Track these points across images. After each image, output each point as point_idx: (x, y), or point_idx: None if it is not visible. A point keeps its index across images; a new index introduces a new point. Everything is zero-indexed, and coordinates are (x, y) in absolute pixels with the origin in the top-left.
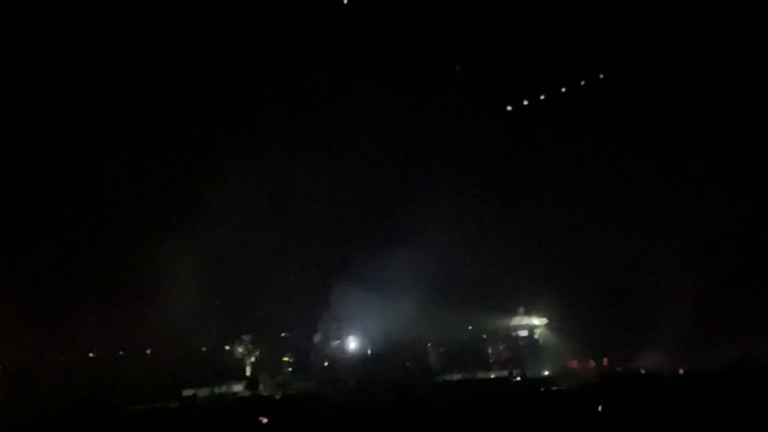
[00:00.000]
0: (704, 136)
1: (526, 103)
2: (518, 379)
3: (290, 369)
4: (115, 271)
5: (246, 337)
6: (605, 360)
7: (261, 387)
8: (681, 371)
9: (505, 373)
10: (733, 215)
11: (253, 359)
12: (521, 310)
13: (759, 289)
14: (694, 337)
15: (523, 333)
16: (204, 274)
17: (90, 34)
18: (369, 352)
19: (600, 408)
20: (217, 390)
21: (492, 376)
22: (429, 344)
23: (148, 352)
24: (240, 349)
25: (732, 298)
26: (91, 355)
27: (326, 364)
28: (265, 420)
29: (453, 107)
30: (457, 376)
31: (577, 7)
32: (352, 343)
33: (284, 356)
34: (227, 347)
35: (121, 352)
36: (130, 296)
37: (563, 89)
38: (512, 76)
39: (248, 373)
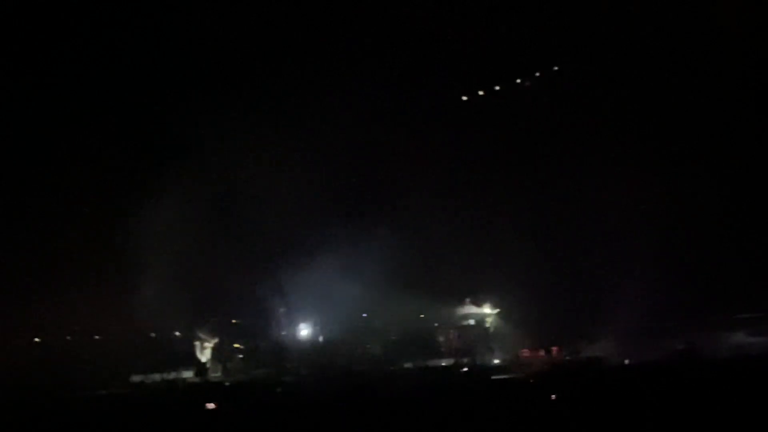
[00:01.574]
0: (658, 130)
1: (481, 93)
2: (465, 369)
3: (241, 356)
4: (65, 257)
5: (197, 324)
6: (555, 349)
7: (211, 373)
8: (627, 361)
9: (456, 360)
10: (682, 211)
11: (203, 346)
12: (472, 299)
13: (702, 284)
14: (641, 328)
15: (475, 322)
16: (155, 261)
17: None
18: (321, 339)
19: (553, 397)
20: (166, 376)
21: (443, 364)
22: (380, 333)
23: (97, 337)
24: (190, 336)
25: (677, 291)
26: (37, 340)
27: (277, 351)
28: (212, 406)
29: (407, 98)
30: (408, 365)
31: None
32: (304, 331)
33: (235, 343)
34: (177, 333)
35: (69, 338)
36: (79, 282)
37: (518, 80)
38: (468, 67)
39: (200, 359)
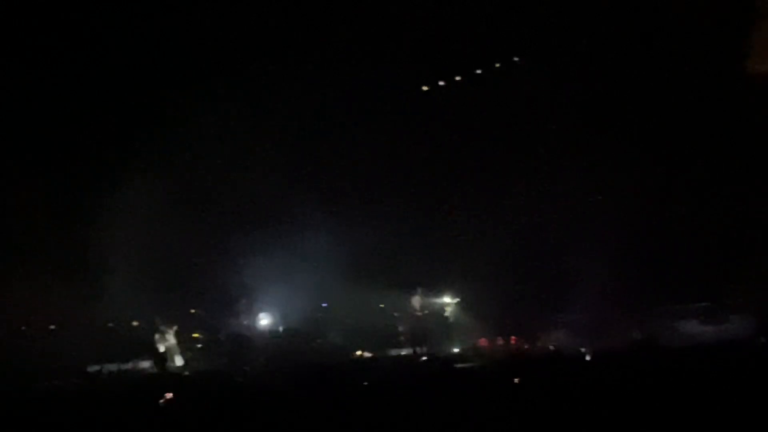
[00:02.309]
0: (617, 121)
1: (442, 83)
2: (424, 358)
3: (200, 346)
4: (19, 245)
5: (156, 314)
6: (513, 338)
7: (169, 364)
8: (583, 350)
9: (416, 349)
10: (637, 202)
11: (164, 336)
12: (432, 289)
13: (658, 274)
14: (599, 318)
15: (435, 312)
16: (114, 250)
17: None
18: (281, 329)
19: (516, 381)
20: (123, 366)
21: (403, 353)
22: (340, 322)
23: (53, 327)
24: (149, 326)
25: (634, 281)
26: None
27: (237, 341)
28: (170, 396)
29: (365, 86)
30: (367, 354)
31: None
32: (264, 321)
33: (194, 333)
34: (135, 323)
35: (23, 328)
36: (35, 271)
37: (478, 71)
38: (428, 57)
39: (159, 349)
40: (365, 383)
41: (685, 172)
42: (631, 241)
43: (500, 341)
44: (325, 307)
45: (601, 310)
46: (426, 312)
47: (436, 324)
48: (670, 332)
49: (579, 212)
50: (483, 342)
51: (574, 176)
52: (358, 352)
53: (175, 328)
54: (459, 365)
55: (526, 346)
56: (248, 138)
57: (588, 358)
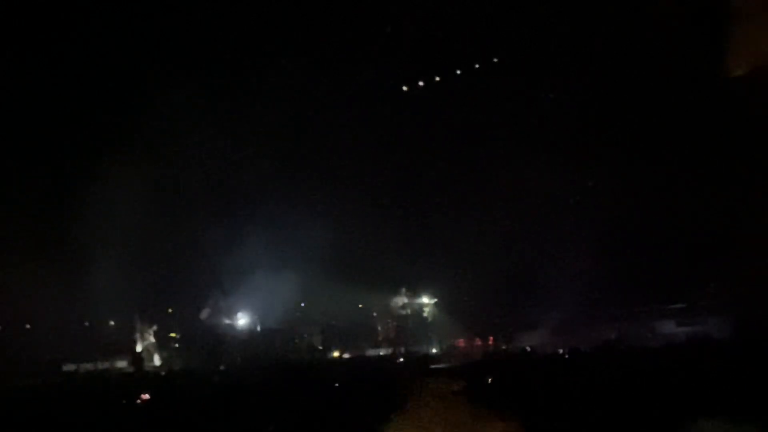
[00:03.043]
0: (594, 121)
1: (421, 84)
2: (401, 360)
3: (177, 345)
4: None
5: (133, 313)
6: (491, 339)
7: (146, 363)
8: (561, 350)
9: (394, 349)
10: (613, 202)
11: (142, 335)
12: (410, 289)
13: (633, 274)
14: (574, 319)
15: (413, 312)
16: (91, 248)
17: None
18: (258, 329)
19: (489, 380)
20: (99, 366)
21: (381, 353)
22: (318, 322)
23: (28, 326)
24: (126, 325)
25: (609, 282)
26: None
27: (214, 340)
28: (147, 396)
29: (344, 85)
30: (345, 354)
31: None
32: (242, 320)
33: (171, 332)
34: (112, 323)
35: None
36: (10, 269)
37: (458, 72)
38: (407, 57)
39: (135, 348)
40: (336, 384)
41: (664, 173)
42: (609, 243)
43: (478, 342)
44: (303, 306)
45: (578, 311)
46: (404, 312)
47: (414, 324)
48: (646, 333)
49: (558, 213)
50: (461, 343)
51: (553, 177)
52: (336, 353)
53: (154, 327)
54: (435, 366)
55: (503, 347)
56: (230, 136)
57: (566, 356)
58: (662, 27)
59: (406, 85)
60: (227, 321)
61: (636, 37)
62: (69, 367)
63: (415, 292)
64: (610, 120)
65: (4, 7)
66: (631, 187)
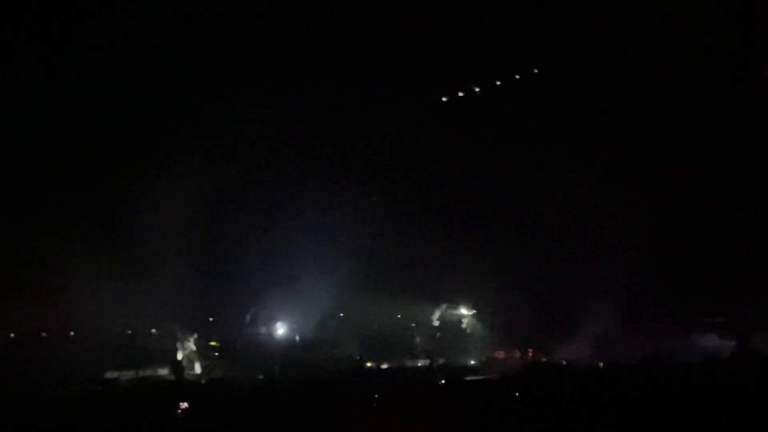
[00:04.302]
0: (635, 132)
1: (461, 94)
2: (439, 370)
3: (217, 354)
4: (40, 252)
5: (174, 322)
6: (530, 351)
7: (187, 371)
8: (601, 364)
9: (432, 361)
10: (656, 214)
11: (183, 344)
12: (449, 300)
13: (675, 287)
14: (615, 331)
15: (451, 323)
16: (133, 258)
17: None
18: (297, 339)
19: (517, 394)
20: (141, 373)
21: (419, 364)
22: (357, 332)
23: (72, 333)
24: (167, 333)
25: (651, 294)
26: (12, 335)
27: (254, 349)
28: (186, 405)
29: (385, 97)
30: (384, 365)
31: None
32: (280, 330)
33: (211, 341)
34: (154, 331)
35: (44, 334)
36: (55, 278)
37: (498, 82)
38: (448, 68)
39: (176, 357)
40: (376, 395)
41: (707, 183)
42: (651, 254)
43: (517, 353)
44: (342, 316)
45: (617, 323)
46: (443, 323)
47: (452, 335)
48: (686, 346)
49: (598, 224)
50: (500, 354)
51: (593, 189)
52: (368, 364)
53: (194, 336)
54: (470, 378)
55: (543, 359)
56: (273, 147)
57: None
58: (704, 36)
59: (445, 96)
60: (266, 330)
61: (679, 45)
62: (111, 375)
63: (454, 304)
64: (654, 131)
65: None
66: (674, 196)
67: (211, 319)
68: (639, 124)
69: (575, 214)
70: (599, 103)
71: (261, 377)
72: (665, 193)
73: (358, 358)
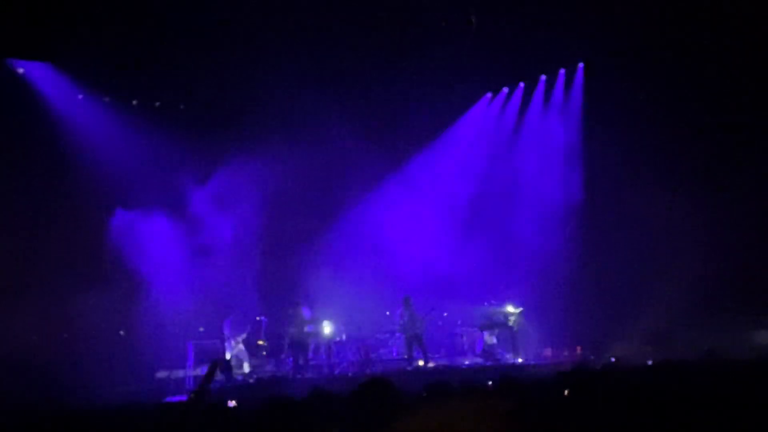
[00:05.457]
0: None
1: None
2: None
3: (264, 353)
4: (91, 250)
5: (223, 320)
6: (579, 348)
7: (236, 371)
8: (650, 362)
9: (479, 360)
10: (709, 209)
11: (233, 343)
12: (495, 298)
13: (728, 283)
14: (666, 328)
15: (498, 321)
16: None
17: None
18: (343, 337)
19: (566, 393)
20: (191, 372)
21: (466, 363)
22: (403, 330)
23: (122, 333)
24: (216, 332)
25: (702, 290)
26: (65, 336)
27: (300, 348)
28: (233, 403)
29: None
30: (431, 364)
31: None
32: (327, 328)
33: (259, 340)
34: (201, 329)
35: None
36: (105, 276)
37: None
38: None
39: (225, 356)
40: (424, 394)
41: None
42: (699, 248)
43: (565, 351)
44: (387, 315)
45: (668, 319)
46: (489, 321)
47: (500, 334)
48: (739, 343)
49: (647, 216)
50: (548, 352)
51: (641, 183)
52: (421, 362)
53: (243, 335)
54: (517, 375)
55: (591, 357)
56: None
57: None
58: None
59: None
60: (313, 329)
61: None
62: (162, 374)
63: (500, 301)
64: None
65: None
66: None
67: (258, 318)
68: (700, 119)
69: (625, 207)
70: (643, 103)
71: (309, 376)
72: (723, 189)
73: (406, 357)
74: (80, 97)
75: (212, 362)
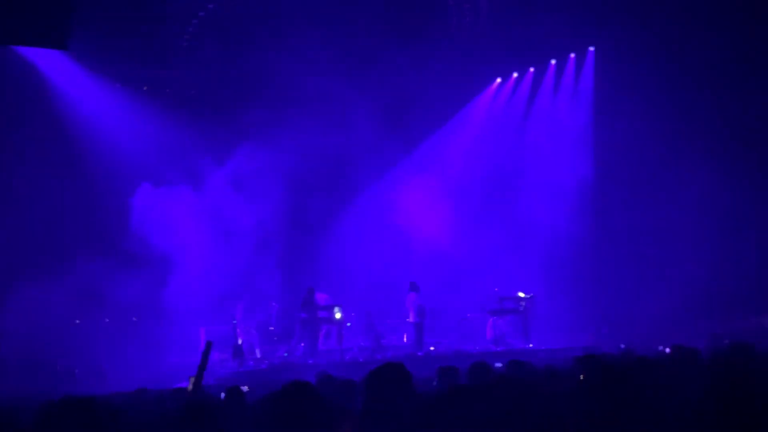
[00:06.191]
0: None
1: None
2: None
3: (276, 339)
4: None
5: (235, 306)
6: (591, 333)
7: (248, 356)
8: (668, 349)
9: (490, 345)
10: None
11: (240, 329)
12: (505, 284)
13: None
14: (679, 312)
15: (509, 307)
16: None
17: None
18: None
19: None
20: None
21: (477, 348)
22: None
23: (135, 319)
24: (228, 318)
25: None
26: (77, 322)
27: (311, 333)
28: (246, 388)
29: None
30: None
31: None
32: (338, 314)
33: (271, 326)
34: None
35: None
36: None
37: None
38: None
39: (237, 341)
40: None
41: None
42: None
43: (577, 337)
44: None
45: (682, 303)
46: (500, 308)
47: (511, 319)
48: (759, 329)
49: (661, 199)
50: (556, 338)
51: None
52: (431, 348)
53: (255, 321)
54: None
55: (603, 342)
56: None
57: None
58: None
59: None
60: (325, 316)
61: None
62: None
63: (510, 287)
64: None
65: None
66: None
67: (273, 304)
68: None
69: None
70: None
71: (322, 361)
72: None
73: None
74: (93, 84)
75: (207, 343)
